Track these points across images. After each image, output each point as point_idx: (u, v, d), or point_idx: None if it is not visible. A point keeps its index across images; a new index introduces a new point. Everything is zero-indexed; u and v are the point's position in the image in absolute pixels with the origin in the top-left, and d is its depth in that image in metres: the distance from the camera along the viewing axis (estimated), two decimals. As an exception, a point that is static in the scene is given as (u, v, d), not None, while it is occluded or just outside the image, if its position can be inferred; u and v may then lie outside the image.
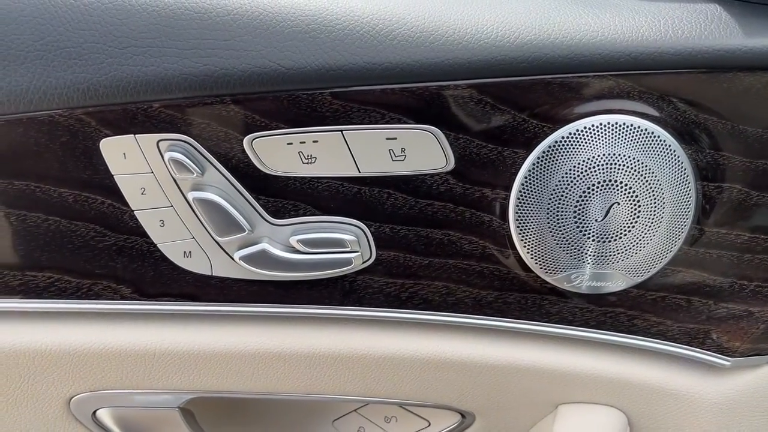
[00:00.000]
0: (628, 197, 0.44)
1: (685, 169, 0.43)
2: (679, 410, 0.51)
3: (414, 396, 0.54)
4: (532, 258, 0.46)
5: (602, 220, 0.44)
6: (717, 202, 0.45)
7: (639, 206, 0.44)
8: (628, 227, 0.44)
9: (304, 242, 0.46)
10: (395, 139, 0.43)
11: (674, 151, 0.43)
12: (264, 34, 0.40)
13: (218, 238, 0.46)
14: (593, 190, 0.43)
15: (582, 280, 0.47)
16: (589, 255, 0.45)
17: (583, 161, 0.43)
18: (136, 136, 0.43)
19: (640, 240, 0.45)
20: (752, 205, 0.45)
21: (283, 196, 0.45)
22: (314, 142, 0.43)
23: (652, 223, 0.44)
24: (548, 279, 0.47)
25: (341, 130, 0.42)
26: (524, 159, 0.44)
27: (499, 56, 0.41)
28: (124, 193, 0.44)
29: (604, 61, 0.41)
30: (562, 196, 0.44)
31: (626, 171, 0.43)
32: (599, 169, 0.43)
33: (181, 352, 0.50)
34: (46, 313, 0.50)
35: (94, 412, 0.53)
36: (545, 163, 0.43)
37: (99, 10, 0.40)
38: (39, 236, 0.46)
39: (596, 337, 0.50)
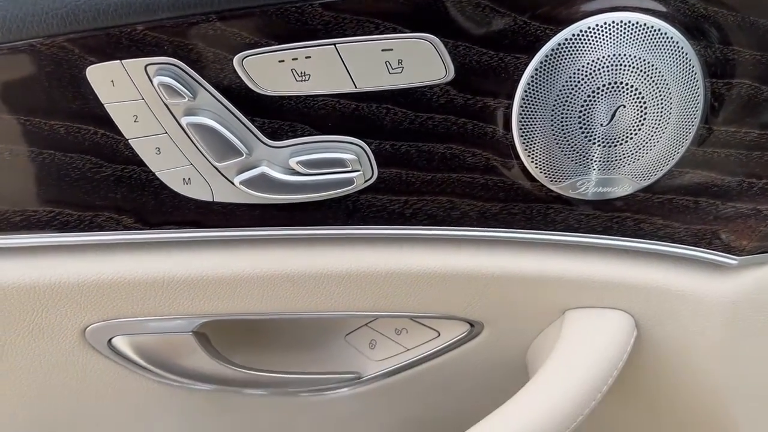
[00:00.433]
0: (634, 99, 0.42)
1: (693, 67, 0.42)
2: (685, 310, 0.52)
3: (422, 309, 0.55)
4: (536, 167, 0.46)
5: (608, 124, 0.43)
6: (726, 99, 0.44)
7: (645, 108, 0.43)
8: (635, 130, 0.44)
9: (304, 163, 0.45)
10: (391, 50, 0.41)
11: (682, 48, 0.41)
12: (246, -57, 0.38)
13: (216, 164, 0.45)
14: (598, 93, 0.42)
15: (588, 186, 0.46)
16: (595, 161, 0.45)
17: (588, 63, 0.41)
18: (123, 61, 0.41)
19: (646, 143, 0.44)
20: (763, 100, 0.44)
21: (279, 117, 0.44)
22: (307, 57, 0.41)
23: (659, 124, 0.43)
24: (553, 187, 0.47)
25: (334, 44, 0.41)
26: (526, 64, 0.42)
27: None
28: (116, 122, 0.43)
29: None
30: (566, 101, 0.43)
31: (632, 72, 0.41)
32: (604, 72, 0.41)
33: (189, 278, 0.51)
34: (52, 247, 0.50)
35: (110, 340, 0.55)
36: (548, 68, 0.42)
37: None
38: (35, 171, 0.45)
39: (602, 243, 0.50)
